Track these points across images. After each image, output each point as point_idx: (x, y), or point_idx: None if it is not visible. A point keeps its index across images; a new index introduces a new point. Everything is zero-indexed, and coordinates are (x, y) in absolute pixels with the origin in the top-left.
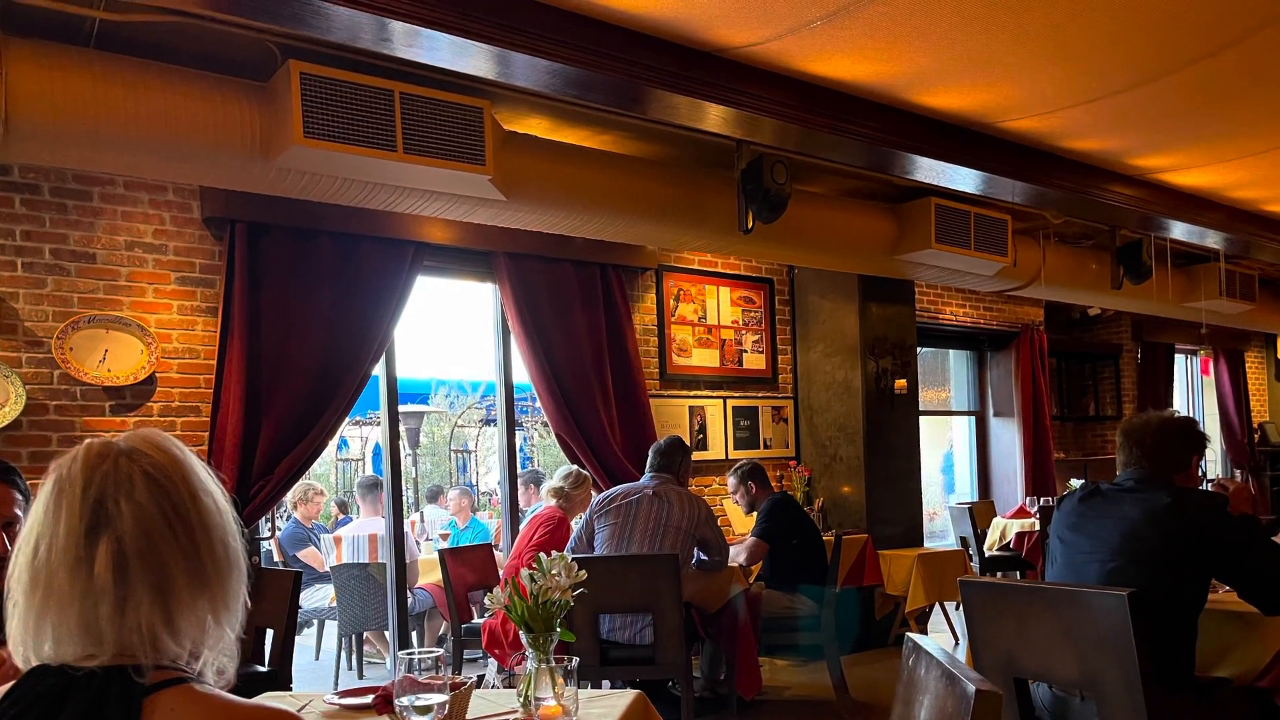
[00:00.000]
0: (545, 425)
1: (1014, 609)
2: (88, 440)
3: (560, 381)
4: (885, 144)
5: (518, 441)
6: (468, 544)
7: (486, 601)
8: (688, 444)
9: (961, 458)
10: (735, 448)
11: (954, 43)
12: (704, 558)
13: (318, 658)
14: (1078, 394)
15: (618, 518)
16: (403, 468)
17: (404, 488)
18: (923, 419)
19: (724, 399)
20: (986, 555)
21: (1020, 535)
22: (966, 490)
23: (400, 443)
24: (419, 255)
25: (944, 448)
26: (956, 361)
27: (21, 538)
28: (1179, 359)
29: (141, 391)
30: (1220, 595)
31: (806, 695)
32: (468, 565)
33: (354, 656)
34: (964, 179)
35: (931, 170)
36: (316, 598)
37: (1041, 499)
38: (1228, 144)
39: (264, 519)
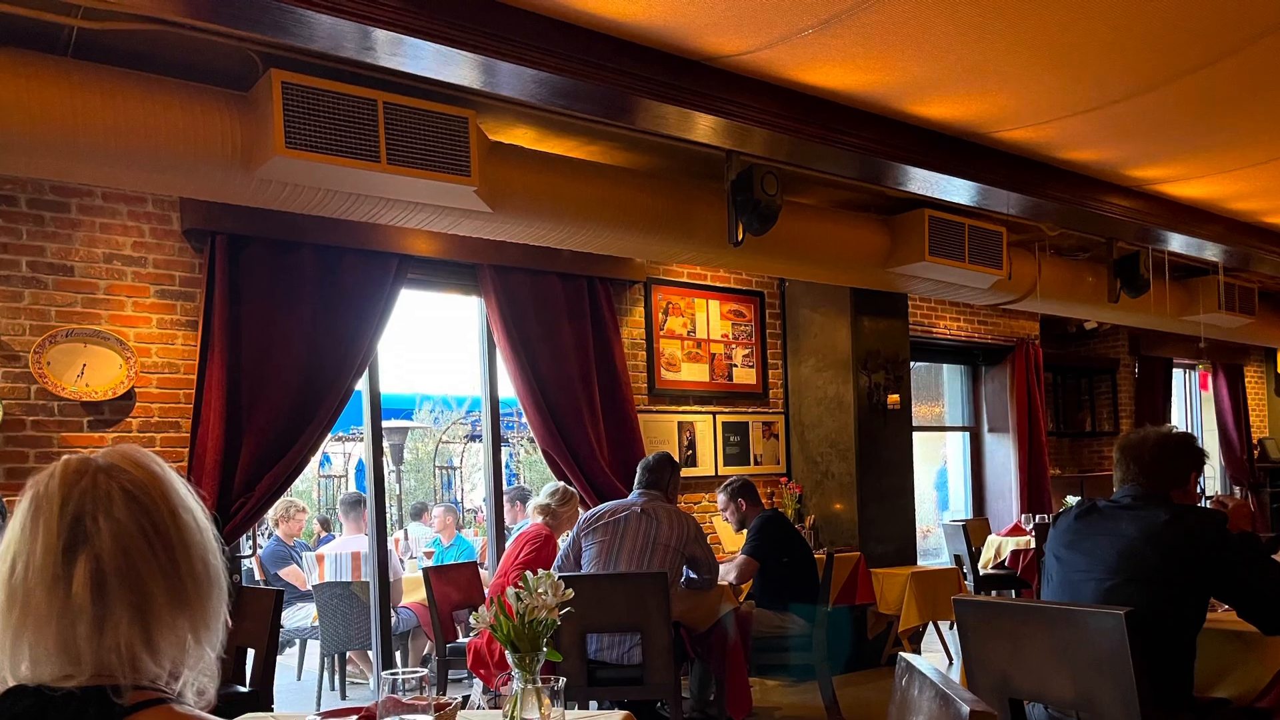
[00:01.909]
0: (532, 441)
1: (1009, 628)
2: (66, 456)
3: (547, 396)
4: (878, 154)
5: (503, 458)
6: (452, 562)
7: (472, 620)
8: (677, 460)
9: (956, 474)
10: (725, 464)
11: (948, 51)
12: (693, 576)
13: (300, 678)
14: (1074, 409)
15: (605, 535)
16: (386, 484)
17: (387, 505)
18: (916, 435)
19: (714, 414)
20: (981, 573)
21: (1015, 553)
22: (961, 507)
23: (384, 459)
24: (403, 268)
25: (938, 464)
26: (950, 376)
27: None
28: (1177, 374)
29: (120, 407)
30: (1219, 614)
31: (798, 716)
32: (452, 584)
33: (337, 677)
34: (958, 190)
35: (925, 181)
36: (299, 617)
37: (1037, 516)
38: (1227, 154)
39: (245, 536)
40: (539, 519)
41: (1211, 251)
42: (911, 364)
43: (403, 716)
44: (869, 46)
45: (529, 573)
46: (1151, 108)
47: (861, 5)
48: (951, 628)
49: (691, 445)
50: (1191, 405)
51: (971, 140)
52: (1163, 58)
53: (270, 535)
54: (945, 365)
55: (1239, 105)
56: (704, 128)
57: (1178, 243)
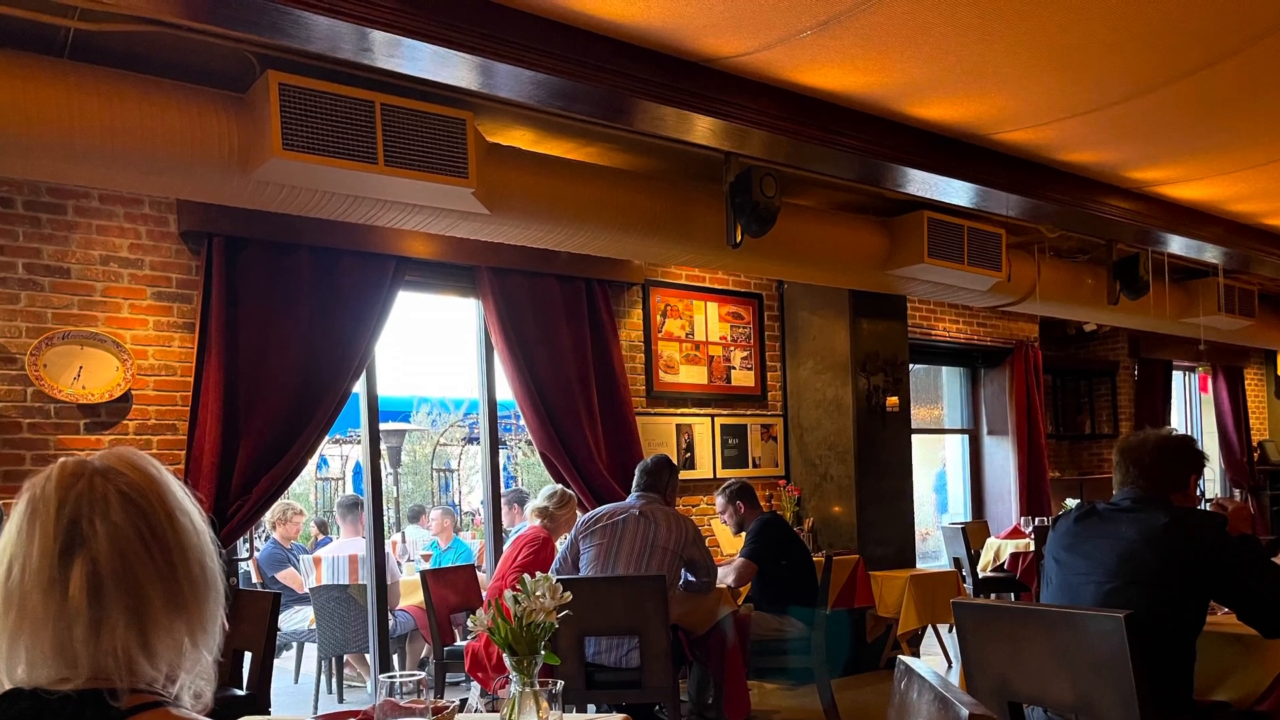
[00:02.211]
0: (529, 443)
1: (1008, 631)
2: (62, 459)
3: (545, 399)
4: (876, 156)
5: (501, 460)
6: (450, 565)
7: (469, 624)
8: (675, 463)
9: (955, 477)
10: (723, 466)
11: (947, 53)
12: (692, 579)
13: (297, 681)
14: (1073, 412)
15: (603, 538)
16: (384, 487)
17: (385, 507)
18: (915, 437)
19: (712, 417)
20: (980, 576)
21: (1015, 556)
22: (960, 510)
23: (381, 461)
24: (400, 270)
25: (937, 466)
26: (949, 378)
27: None
28: (1177, 376)
29: (117, 409)
30: (1219, 617)
31: (796, 719)
32: (450, 586)
33: (334, 680)
34: (957, 192)
35: (924, 183)
36: (296, 620)
37: (1036, 519)
38: (1227, 156)
39: (242, 539)
40: (537, 522)
41: (1211, 253)
42: (910, 366)
43: None
44: (867, 48)
45: (527, 575)
46: (1151, 109)
47: (860, 6)
48: (951, 631)
49: (690, 448)
50: (1191, 408)
51: (970, 142)
52: (1163, 59)
53: (267, 538)
54: (944, 367)
55: (1239, 107)
56: (702, 129)
57: (1177, 245)
